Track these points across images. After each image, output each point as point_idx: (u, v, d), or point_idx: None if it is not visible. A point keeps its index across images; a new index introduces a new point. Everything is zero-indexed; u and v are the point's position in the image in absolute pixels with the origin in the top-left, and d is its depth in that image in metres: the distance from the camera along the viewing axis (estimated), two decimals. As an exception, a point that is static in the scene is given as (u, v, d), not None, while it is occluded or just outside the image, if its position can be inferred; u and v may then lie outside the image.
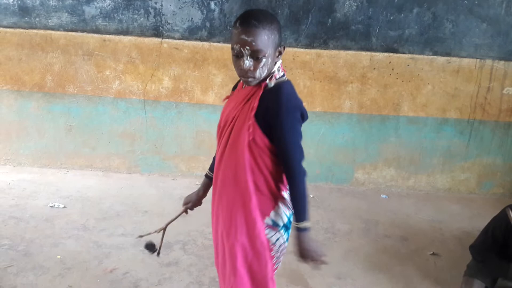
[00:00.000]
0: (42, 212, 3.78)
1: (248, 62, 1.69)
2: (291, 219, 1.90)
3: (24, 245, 3.27)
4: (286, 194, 1.90)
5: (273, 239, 1.86)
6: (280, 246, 1.90)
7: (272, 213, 1.85)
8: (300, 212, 1.81)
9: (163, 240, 2.38)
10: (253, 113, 1.74)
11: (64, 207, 3.90)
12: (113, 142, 4.65)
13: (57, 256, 3.17)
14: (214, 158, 2.12)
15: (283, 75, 1.83)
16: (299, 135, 1.78)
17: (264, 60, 1.70)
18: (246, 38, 1.66)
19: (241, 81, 1.90)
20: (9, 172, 4.52)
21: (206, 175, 2.21)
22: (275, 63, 1.79)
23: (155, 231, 2.35)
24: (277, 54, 1.77)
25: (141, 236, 2.38)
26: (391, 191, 4.73)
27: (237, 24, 1.68)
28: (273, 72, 1.79)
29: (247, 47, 1.67)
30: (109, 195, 4.19)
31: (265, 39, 1.67)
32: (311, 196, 4.41)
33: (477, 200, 4.66)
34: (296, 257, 1.86)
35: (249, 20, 1.67)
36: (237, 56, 1.71)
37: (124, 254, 3.26)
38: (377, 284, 3.15)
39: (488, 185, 4.80)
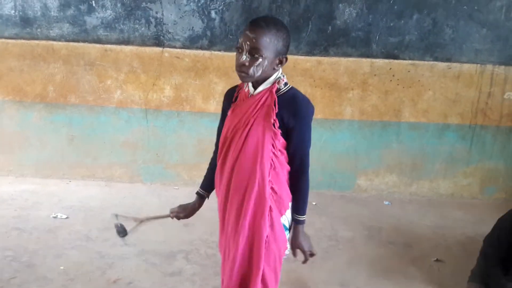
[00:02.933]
0: (44, 223, 3.78)
1: (245, 57, 1.78)
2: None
3: (27, 256, 3.27)
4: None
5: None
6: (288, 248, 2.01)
7: (286, 213, 1.95)
8: (303, 205, 1.96)
9: (133, 229, 2.42)
10: (273, 115, 1.81)
11: (66, 217, 3.90)
12: (115, 152, 4.65)
13: (60, 267, 3.16)
14: (205, 176, 2.20)
15: (287, 82, 1.91)
16: (311, 133, 1.91)
17: (260, 60, 1.76)
18: (249, 34, 1.76)
19: (241, 89, 1.97)
20: (11, 183, 4.52)
21: (199, 193, 2.24)
22: (273, 69, 1.84)
23: (133, 219, 2.36)
24: (277, 62, 1.83)
25: (116, 215, 2.40)
26: (393, 198, 4.72)
27: (248, 23, 1.81)
28: (279, 78, 1.87)
29: (248, 42, 1.76)
30: (111, 204, 4.18)
31: (266, 40, 1.75)
32: (314, 203, 4.40)
33: (480, 206, 4.65)
34: (289, 248, 1.99)
35: (258, 21, 1.79)
36: (238, 50, 1.81)
37: (127, 264, 3.26)
38: (381, 291, 3.15)
39: (491, 190, 4.79)
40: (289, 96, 1.85)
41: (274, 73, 1.87)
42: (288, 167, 1.91)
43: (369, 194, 4.76)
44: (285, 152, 1.88)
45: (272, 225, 1.88)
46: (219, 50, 4.41)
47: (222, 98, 2.10)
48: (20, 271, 3.08)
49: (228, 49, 4.39)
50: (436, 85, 4.50)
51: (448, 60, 4.47)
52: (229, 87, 2.10)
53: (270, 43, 1.76)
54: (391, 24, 4.37)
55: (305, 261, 2.00)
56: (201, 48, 4.42)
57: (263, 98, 1.85)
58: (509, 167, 4.73)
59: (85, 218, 3.91)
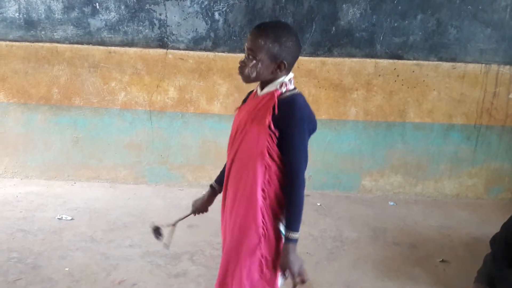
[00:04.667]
0: (49, 224, 3.79)
1: (244, 58, 1.83)
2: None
3: (32, 258, 3.28)
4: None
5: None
6: None
7: (281, 218, 1.89)
8: (294, 221, 1.83)
9: (172, 236, 2.39)
10: (269, 118, 1.79)
11: (71, 219, 3.90)
12: (119, 153, 4.66)
13: (65, 269, 3.17)
14: (221, 171, 2.17)
15: (295, 88, 1.89)
16: (307, 145, 1.84)
17: (253, 61, 1.79)
18: (249, 35, 1.82)
19: (254, 91, 1.99)
20: (16, 185, 4.54)
21: (211, 186, 2.24)
22: (272, 73, 1.83)
23: (166, 225, 2.35)
24: (275, 66, 1.82)
25: (154, 227, 2.37)
26: (398, 198, 4.70)
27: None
28: (284, 82, 1.85)
29: (246, 43, 1.82)
30: (116, 206, 4.19)
31: (260, 43, 1.77)
32: (318, 204, 4.39)
33: (485, 206, 4.63)
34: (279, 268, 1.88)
35: (260, 24, 1.83)
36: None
37: (132, 265, 3.26)
38: (386, 292, 3.13)
39: (496, 190, 4.77)
40: (288, 101, 1.81)
41: (277, 77, 1.85)
42: (283, 177, 1.85)
43: (374, 194, 4.75)
44: (280, 160, 1.82)
45: (264, 228, 1.84)
46: (223, 52, 4.41)
47: (226, 100, 2.13)
48: (25, 273, 3.09)
49: (232, 50, 4.39)
50: (440, 85, 4.49)
51: (453, 60, 4.45)
52: (233, 88, 2.12)
53: (264, 45, 1.77)
54: (395, 24, 4.36)
55: (294, 286, 1.85)
56: (205, 49, 4.42)
57: (264, 101, 1.85)
58: (515, 167, 4.71)
59: (90, 219, 3.91)
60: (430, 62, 4.45)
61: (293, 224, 1.83)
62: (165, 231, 2.37)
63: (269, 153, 1.80)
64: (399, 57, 4.44)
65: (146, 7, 4.32)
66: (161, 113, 4.56)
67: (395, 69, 4.44)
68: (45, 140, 4.62)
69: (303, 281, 1.83)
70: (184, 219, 2.35)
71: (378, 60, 4.43)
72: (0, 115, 4.55)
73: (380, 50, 4.42)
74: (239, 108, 2.01)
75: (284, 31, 1.81)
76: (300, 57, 4.51)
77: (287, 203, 1.85)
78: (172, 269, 3.22)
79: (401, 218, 4.27)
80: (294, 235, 1.82)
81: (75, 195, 4.38)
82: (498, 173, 4.72)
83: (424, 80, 4.47)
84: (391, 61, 4.44)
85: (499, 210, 4.44)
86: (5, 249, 3.37)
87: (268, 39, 1.77)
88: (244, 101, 2.04)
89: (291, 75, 1.88)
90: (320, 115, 4.51)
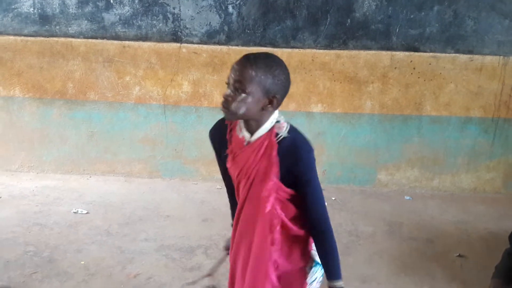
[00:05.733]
0: (65, 218, 3.81)
1: (229, 91, 1.59)
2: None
3: (48, 251, 3.31)
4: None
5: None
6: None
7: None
8: (332, 269, 1.73)
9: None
10: (276, 168, 1.64)
11: (87, 212, 3.93)
12: (134, 148, 4.67)
13: (81, 262, 3.19)
14: (231, 208, 2.02)
15: (288, 125, 1.69)
16: (320, 188, 1.70)
17: (243, 95, 1.56)
18: (235, 66, 1.58)
19: (232, 131, 1.81)
20: (32, 179, 4.57)
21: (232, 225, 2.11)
22: (262, 109, 1.62)
23: (204, 277, 2.32)
24: (266, 101, 1.60)
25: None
26: (415, 192, 4.65)
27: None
28: (278, 122, 1.66)
29: (232, 75, 1.58)
30: (131, 200, 4.21)
31: (251, 74, 1.54)
32: (333, 198, 4.36)
33: (503, 200, 4.56)
34: None
35: (248, 55, 1.60)
36: (227, 85, 1.62)
37: (147, 259, 3.27)
38: (402, 287, 3.10)
39: (515, 185, 4.70)
40: (290, 144, 1.63)
41: (265, 114, 1.64)
42: (300, 226, 1.74)
43: (390, 189, 4.70)
44: (294, 208, 1.71)
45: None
46: (237, 45, 4.39)
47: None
48: (41, 266, 3.12)
49: (245, 43, 4.37)
50: (458, 77, 4.42)
51: (470, 52, 4.38)
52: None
53: (255, 77, 1.54)
54: (412, 16, 4.30)
55: None
56: (219, 43, 4.40)
57: (263, 149, 1.65)
58: (534, 161, 4.63)
59: (105, 213, 3.94)
60: (447, 55, 4.38)
61: (332, 272, 1.74)
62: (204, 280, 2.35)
63: (281, 201, 1.68)
64: (416, 49, 4.38)
65: (159, 1, 4.31)
66: (175, 107, 4.56)
67: (411, 61, 4.38)
68: (60, 135, 4.65)
69: None
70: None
71: (394, 53, 4.37)
72: (16, 110, 4.59)
73: (396, 42, 4.36)
74: (231, 158, 1.79)
75: (276, 63, 1.61)
76: (314, 50, 4.50)
77: (320, 253, 1.74)
78: (186, 262, 3.23)
79: (417, 212, 4.22)
80: (338, 284, 1.73)
81: (91, 189, 4.40)
82: (516, 167, 4.65)
83: (440, 73, 4.41)
84: (407, 53, 4.38)
85: (518, 204, 4.38)
86: (21, 242, 3.40)
87: (260, 70, 1.55)
88: (222, 141, 1.88)
89: (276, 113, 1.68)
90: (335, 108, 4.47)
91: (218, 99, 4.41)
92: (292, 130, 1.67)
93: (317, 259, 1.81)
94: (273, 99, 1.60)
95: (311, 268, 1.83)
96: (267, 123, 1.65)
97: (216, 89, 4.47)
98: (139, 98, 4.53)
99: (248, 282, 1.77)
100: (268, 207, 1.66)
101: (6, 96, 4.55)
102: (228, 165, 1.80)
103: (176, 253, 3.34)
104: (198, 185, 4.61)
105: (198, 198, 4.28)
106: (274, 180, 1.64)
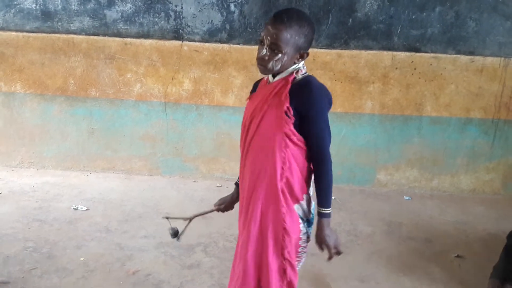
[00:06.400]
0: (65, 214, 3.82)
1: (265, 51, 1.77)
2: (314, 213, 1.96)
3: (48, 247, 3.31)
4: (310, 189, 1.94)
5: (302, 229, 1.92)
6: (303, 239, 1.94)
7: (301, 202, 1.91)
8: (326, 197, 1.88)
9: (185, 229, 2.40)
10: (286, 103, 1.78)
11: (87, 209, 3.93)
12: (134, 145, 4.68)
13: (80, 258, 3.19)
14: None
15: (306, 72, 1.89)
16: (328, 122, 1.84)
17: (279, 55, 1.76)
18: (271, 29, 1.75)
19: (262, 79, 1.98)
20: (33, 175, 4.58)
21: (236, 184, 2.22)
22: (294, 63, 1.83)
23: (182, 218, 2.36)
24: (297, 56, 1.82)
25: (167, 218, 2.39)
26: (414, 193, 4.66)
27: (272, 16, 1.78)
28: (298, 68, 1.85)
29: (268, 37, 1.75)
30: (131, 197, 4.21)
31: (287, 36, 1.73)
32: (333, 198, 4.35)
33: (502, 201, 4.57)
34: (314, 243, 1.91)
35: (281, 15, 1.76)
36: (260, 43, 1.80)
37: (146, 256, 3.28)
38: (400, 287, 3.11)
39: (514, 186, 4.70)
40: (303, 83, 1.82)
41: (299, 64, 1.86)
42: (304, 159, 1.87)
43: (389, 189, 4.71)
44: (300, 143, 1.83)
45: (284, 213, 1.85)
46: (238, 44, 4.39)
47: (240, 92, 2.10)
48: (40, 262, 3.12)
49: (247, 42, 4.37)
50: (458, 78, 4.43)
51: (471, 53, 4.38)
52: (248, 81, 2.08)
53: (290, 39, 1.74)
54: (413, 17, 4.30)
55: (329, 258, 1.91)
56: (220, 41, 4.41)
57: (278, 87, 1.84)
58: (533, 163, 4.63)
59: (105, 210, 3.94)
60: (448, 55, 4.39)
61: (324, 201, 1.87)
62: (180, 224, 2.38)
63: (288, 136, 1.80)
64: (417, 50, 4.38)
65: (161, -1, 4.32)
66: (176, 105, 4.56)
67: (412, 62, 4.39)
68: (61, 131, 4.66)
69: (338, 253, 1.91)
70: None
71: (395, 53, 4.38)
72: (17, 106, 4.60)
73: (398, 43, 4.37)
74: (250, 97, 2.00)
75: (305, 21, 1.79)
76: (316, 49, 4.50)
77: (317, 182, 1.88)
78: (185, 260, 3.23)
79: (416, 212, 4.23)
80: (326, 211, 1.88)
81: (91, 186, 4.41)
82: (516, 169, 4.66)
83: (441, 74, 4.41)
84: (408, 53, 4.38)
85: (517, 206, 4.39)
86: (21, 238, 3.41)
87: (294, 32, 1.75)
88: (253, 90, 2.03)
89: (302, 62, 1.88)
90: (336, 108, 4.48)
91: (219, 98, 4.44)
92: (311, 76, 1.86)
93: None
94: (304, 54, 1.83)
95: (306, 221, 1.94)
96: (290, 68, 1.84)
97: (217, 87, 4.47)
98: (140, 95, 4.54)
99: (253, 205, 1.89)
100: (279, 133, 1.80)
101: (8, 92, 4.56)
102: (247, 105, 1.98)
103: (175, 251, 3.35)
104: (198, 183, 4.61)
105: (197, 196, 4.28)
106: (285, 109, 1.78)
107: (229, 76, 4.44)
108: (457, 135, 4.57)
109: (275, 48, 1.75)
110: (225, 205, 2.25)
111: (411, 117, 4.54)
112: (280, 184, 1.83)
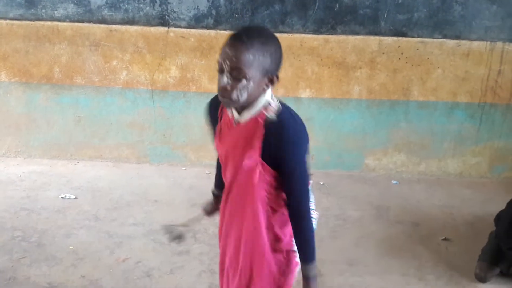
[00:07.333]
0: (53, 203, 3.80)
1: (226, 79, 1.49)
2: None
3: (36, 236, 3.30)
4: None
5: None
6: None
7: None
8: (310, 251, 1.69)
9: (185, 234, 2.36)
10: (258, 158, 1.57)
11: (75, 198, 3.92)
12: (122, 133, 4.65)
13: (69, 247, 3.19)
14: (216, 176, 2.05)
15: (279, 103, 1.62)
16: (307, 171, 1.64)
17: (244, 81, 1.47)
18: (229, 52, 1.48)
19: (224, 108, 1.73)
20: (19, 164, 4.54)
21: (213, 193, 2.13)
22: (263, 90, 1.56)
23: (180, 225, 2.33)
24: (266, 81, 1.54)
25: (165, 227, 2.37)
26: (401, 177, 4.69)
27: (228, 38, 1.53)
28: (268, 104, 1.58)
29: (227, 61, 1.48)
30: (119, 185, 4.20)
31: (249, 58, 1.45)
32: (321, 183, 4.39)
33: (488, 184, 4.62)
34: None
35: (239, 34, 1.50)
36: (219, 71, 1.53)
37: (135, 243, 3.28)
38: (389, 270, 3.15)
39: (500, 169, 4.75)
40: (278, 127, 1.54)
41: (267, 94, 1.58)
42: (280, 194, 1.68)
43: (377, 173, 4.74)
44: (278, 183, 1.64)
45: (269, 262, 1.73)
46: (225, 29, 4.36)
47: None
48: (29, 251, 3.11)
49: (233, 28, 4.30)
50: (445, 63, 4.44)
51: (458, 37, 4.39)
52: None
53: (254, 60, 1.46)
54: (400, 1, 4.29)
55: None
56: (207, 27, 4.37)
57: (249, 131, 1.59)
58: (519, 146, 4.69)
59: (93, 198, 3.93)
60: (435, 40, 4.39)
61: (306, 258, 1.70)
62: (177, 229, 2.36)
63: (269, 191, 1.64)
64: (404, 35, 4.38)
65: (147, -16, 4.27)
66: (163, 92, 4.53)
67: (399, 46, 4.40)
68: (47, 119, 4.61)
69: None
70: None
71: (382, 38, 4.38)
72: (2, 95, 4.54)
73: (384, 27, 4.37)
74: (217, 135, 1.76)
75: (269, 37, 1.54)
76: (303, 35, 4.49)
77: (296, 234, 1.68)
78: (175, 247, 3.23)
79: (404, 196, 4.27)
80: (312, 267, 1.70)
81: (78, 174, 4.39)
82: (501, 152, 4.70)
83: (428, 58, 4.43)
84: (395, 38, 4.38)
85: (503, 189, 4.44)
86: (9, 227, 3.39)
87: (257, 52, 1.47)
88: (213, 118, 1.79)
89: (269, 91, 1.60)
90: (323, 93, 4.48)
91: (207, 84, 4.41)
92: (284, 111, 1.58)
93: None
94: (273, 78, 1.55)
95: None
96: (258, 103, 1.57)
97: (204, 74, 4.45)
98: (127, 82, 4.50)
99: (242, 265, 1.76)
100: (256, 179, 1.60)
101: (-8, 80, 4.50)
102: (216, 142, 1.77)
103: (165, 238, 3.35)
104: (187, 170, 4.60)
105: (186, 184, 4.28)
106: (258, 160, 1.57)
107: (216, 62, 4.40)
108: (444, 119, 4.59)
109: (237, 73, 1.46)
110: (209, 213, 2.20)
111: (398, 102, 4.55)
112: (265, 237, 1.70)
